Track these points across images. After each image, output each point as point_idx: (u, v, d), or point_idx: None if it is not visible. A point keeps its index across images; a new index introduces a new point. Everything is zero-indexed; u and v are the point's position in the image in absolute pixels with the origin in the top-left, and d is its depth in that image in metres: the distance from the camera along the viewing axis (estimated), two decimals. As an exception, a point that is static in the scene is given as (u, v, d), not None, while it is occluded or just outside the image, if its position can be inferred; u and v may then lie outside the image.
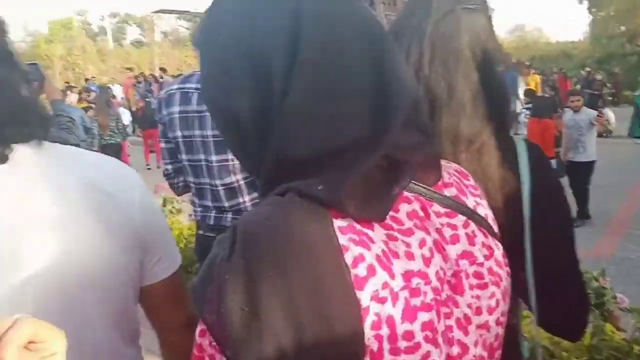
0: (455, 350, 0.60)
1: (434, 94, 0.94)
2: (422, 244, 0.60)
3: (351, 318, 0.52)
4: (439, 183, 0.66)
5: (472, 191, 0.70)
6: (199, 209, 2.08)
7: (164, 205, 4.73)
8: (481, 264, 0.65)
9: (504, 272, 0.68)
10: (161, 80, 15.45)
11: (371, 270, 0.54)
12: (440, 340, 0.58)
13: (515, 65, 12.27)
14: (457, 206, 0.65)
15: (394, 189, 0.58)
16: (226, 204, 1.99)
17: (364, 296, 0.53)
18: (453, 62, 0.94)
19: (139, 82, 16.62)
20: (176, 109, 1.96)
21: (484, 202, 0.71)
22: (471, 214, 0.66)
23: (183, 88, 1.97)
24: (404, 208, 0.61)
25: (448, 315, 0.60)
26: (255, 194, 1.96)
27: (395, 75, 0.61)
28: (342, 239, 0.54)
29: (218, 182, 1.95)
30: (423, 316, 0.57)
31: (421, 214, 0.62)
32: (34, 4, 61.02)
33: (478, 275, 0.64)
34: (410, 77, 0.66)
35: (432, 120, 0.93)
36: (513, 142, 0.97)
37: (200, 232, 2.13)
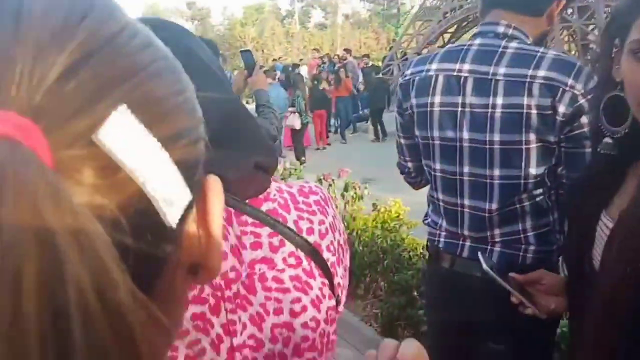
0: (241, 339, 0.69)
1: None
2: None
3: None
4: (260, 197, 0.75)
5: (303, 208, 0.78)
6: (429, 219, 1.64)
7: (346, 190, 4.38)
8: (282, 270, 0.73)
9: (317, 282, 0.75)
10: (344, 61, 15.49)
11: None
12: (216, 330, 0.68)
13: None
14: (265, 218, 0.74)
15: None
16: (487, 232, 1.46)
17: None
18: None
19: (324, 63, 16.92)
20: (437, 99, 1.45)
21: (316, 219, 0.78)
22: (279, 227, 0.74)
23: (427, 70, 1.49)
24: None
25: (233, 310, 0.69)
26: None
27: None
28: None
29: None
30: (194, 308, 0.66)
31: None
32: (232, -10, 66.53)
33: (277, 280, 0.72)
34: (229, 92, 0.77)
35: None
36: None
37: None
